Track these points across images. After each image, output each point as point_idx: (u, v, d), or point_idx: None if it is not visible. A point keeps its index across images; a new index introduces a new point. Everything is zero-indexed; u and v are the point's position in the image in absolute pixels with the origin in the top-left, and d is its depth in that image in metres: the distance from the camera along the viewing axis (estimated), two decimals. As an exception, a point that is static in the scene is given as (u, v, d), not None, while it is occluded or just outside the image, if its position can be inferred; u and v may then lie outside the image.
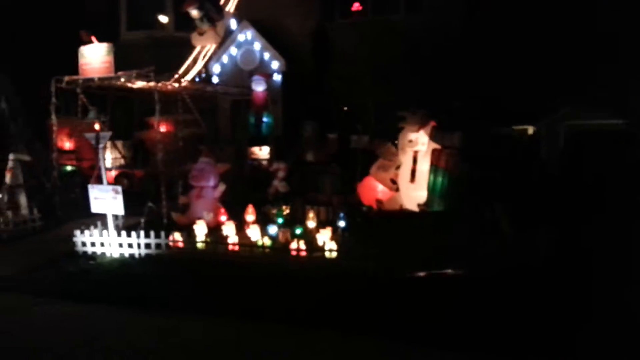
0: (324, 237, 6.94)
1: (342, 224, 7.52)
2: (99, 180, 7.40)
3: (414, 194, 9.67)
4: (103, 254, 7.41)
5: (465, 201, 6.79)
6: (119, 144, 14.30)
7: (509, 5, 13.25)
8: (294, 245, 6.77)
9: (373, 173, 10.39)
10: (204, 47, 12.56)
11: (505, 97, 12.14)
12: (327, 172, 9.88)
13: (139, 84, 9.70)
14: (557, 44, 12.65)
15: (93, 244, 7.47)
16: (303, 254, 6.67)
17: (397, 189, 10.14)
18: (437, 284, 5.58)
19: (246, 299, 5.69)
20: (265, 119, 10.96)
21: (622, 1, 11.78)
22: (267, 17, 14.81)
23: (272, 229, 7.56)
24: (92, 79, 9.29)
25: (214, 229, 7.93)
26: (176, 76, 10.76)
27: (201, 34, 12.26)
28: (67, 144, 13.72)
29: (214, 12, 12.36)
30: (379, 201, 9.99)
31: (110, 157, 13.95)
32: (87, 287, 6.25)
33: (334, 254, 6.57)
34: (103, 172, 7.32)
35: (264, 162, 10.97)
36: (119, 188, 7.13)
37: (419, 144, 9.72)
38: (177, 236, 7.26)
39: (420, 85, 12.20)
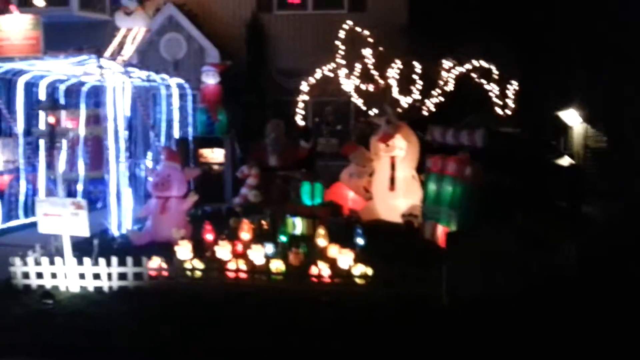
0: (346, 258, 5.88)
1: (360, 241, 6.49)
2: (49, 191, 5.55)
3: (393, 203, 9.01)
4: (56, 287, 5.60)
5: (495, 213, 6.25)
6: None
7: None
8: (316, 270, 5.64)
9: (344, 180, 9.56)
10: (130, 29, 10.74)
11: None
12: (298, 179, 8.80)
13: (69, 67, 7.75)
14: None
15: (40, 275, 5.61)
16: (330, 280, 5.59)
17: (370, 197, 9.43)
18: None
19: (287, 345, 4.49)
20: (220, 117, 9.53)
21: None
22: (195, 2, 13.20)
23: (269, 248, 6.31)
24: (11, 59, 7.18)
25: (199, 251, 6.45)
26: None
27: (128, 13, 10.47)
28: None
29: (142, -11, 10.64)
30: (352, 211, 9.18)
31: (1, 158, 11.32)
32: (56, 338, 4.58)
33: (366, 280, 5.58)
34: (59, 180, 5.51)
35: (217, 167, 9.52)
36: (83, 201, 5.41)
37: (396, 149, 9.09)
38: (157, 262, 5.71)
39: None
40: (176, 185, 7.16)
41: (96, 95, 9.67)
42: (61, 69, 7.68)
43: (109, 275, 5.56)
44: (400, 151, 9.05)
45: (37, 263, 5.61)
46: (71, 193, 10.60)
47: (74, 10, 12.99)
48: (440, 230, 7.28)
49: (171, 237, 7.01)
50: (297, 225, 7.79)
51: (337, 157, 9.70)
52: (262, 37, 13.00)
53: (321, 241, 6.36)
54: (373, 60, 11.37)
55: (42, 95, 7.76)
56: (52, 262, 5.61)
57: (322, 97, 12.25)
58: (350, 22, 11.51)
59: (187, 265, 5.70)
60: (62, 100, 8.30)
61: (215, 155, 9.61)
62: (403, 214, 8.67)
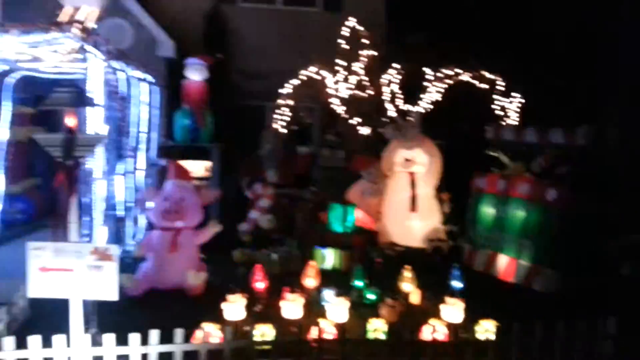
0: (455, 310, 4.53)
1: (456, 284, 5.12)
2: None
3: (410, 225, 7.89)
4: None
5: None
6: None
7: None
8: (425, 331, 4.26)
9: (354, 198, 8.23)
10: (77, 9, 8.51)
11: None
12: (308, 198, 7.34)
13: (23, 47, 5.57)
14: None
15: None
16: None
17: (380, 219, 8.23)
18: None
19: None
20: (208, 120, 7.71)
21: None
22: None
23: (330, 296, 4.81)
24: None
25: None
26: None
27: (77, -9, 8.23)
28: None
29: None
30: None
31: None
32: None
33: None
34: (74, 217, 3.55)
35: (201, 184, 7.67)
36: (114, 248, 3.52)
37: (417, 164, 8.01)
38: (211, 329, 3.97)
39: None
40: (191, 212, 5.36)
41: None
42: (13, 49, 5.48)
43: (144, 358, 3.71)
44: (421, 167, 8.00)
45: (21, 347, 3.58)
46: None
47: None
48: (505, 262, 6.26)
49: (184, 282, 5.24)
50: (329, 258, 6.39)
51: (343, 172, 8.34)
52: (223, 32, 11.29)
53: (406, 285, 4.95)
54: (362, 65, 10.16)
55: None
56: (47, 341, 3.62)
57: (298, 103, 10.79)
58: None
59: (257, 333, 3.99)
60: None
61: (197, 169, 7.75)
62: (430, 238, 7.58)
